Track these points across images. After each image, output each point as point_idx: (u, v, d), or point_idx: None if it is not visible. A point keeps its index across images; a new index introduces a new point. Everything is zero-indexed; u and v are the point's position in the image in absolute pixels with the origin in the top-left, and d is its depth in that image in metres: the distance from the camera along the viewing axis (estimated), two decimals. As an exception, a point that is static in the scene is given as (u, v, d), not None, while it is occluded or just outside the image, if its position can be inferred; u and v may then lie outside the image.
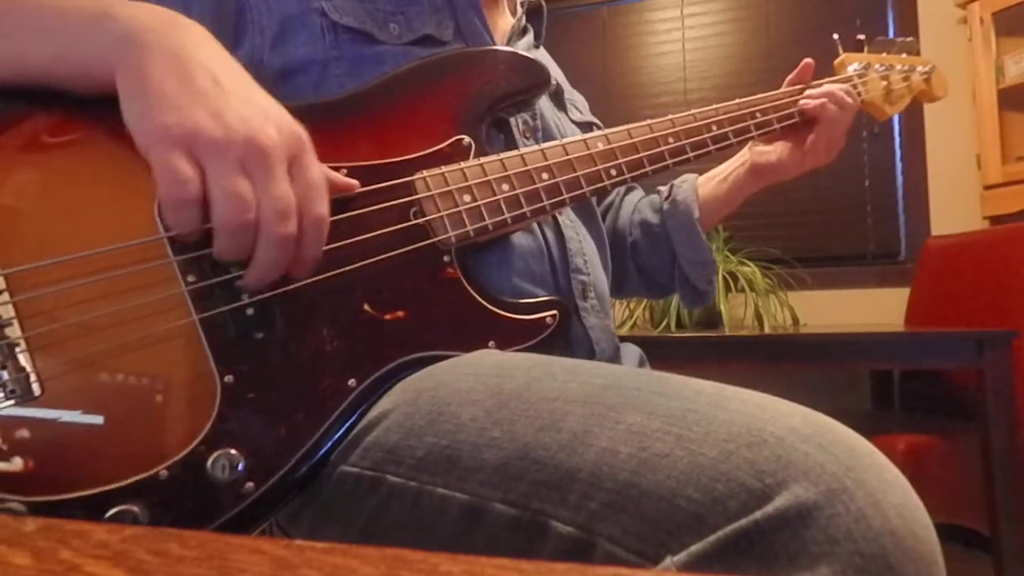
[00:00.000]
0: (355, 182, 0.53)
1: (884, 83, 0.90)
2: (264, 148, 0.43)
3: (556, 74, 0.81)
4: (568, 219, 0.69)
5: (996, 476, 1.40)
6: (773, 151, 0.83)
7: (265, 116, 0.45)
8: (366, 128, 0.56)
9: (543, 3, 0.81)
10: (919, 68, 0.94)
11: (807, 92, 0.82)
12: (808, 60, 0.85)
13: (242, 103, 0.45)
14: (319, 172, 0.47)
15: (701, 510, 0.35)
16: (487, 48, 0.68)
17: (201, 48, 0.47)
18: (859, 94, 0.87)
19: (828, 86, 0.83)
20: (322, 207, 0.47)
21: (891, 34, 2.41)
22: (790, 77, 0.85)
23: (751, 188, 0.86)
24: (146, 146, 0.43)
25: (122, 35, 0.45)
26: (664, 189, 0.89)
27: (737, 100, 0.78)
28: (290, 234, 0.45)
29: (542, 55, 0.81)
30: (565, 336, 0.60)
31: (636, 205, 0.91)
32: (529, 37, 0.79)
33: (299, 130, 0.47)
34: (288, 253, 0.45)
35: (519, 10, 0.78)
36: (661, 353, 1.63)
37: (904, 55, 0.94)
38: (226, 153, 0.43)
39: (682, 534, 0.35)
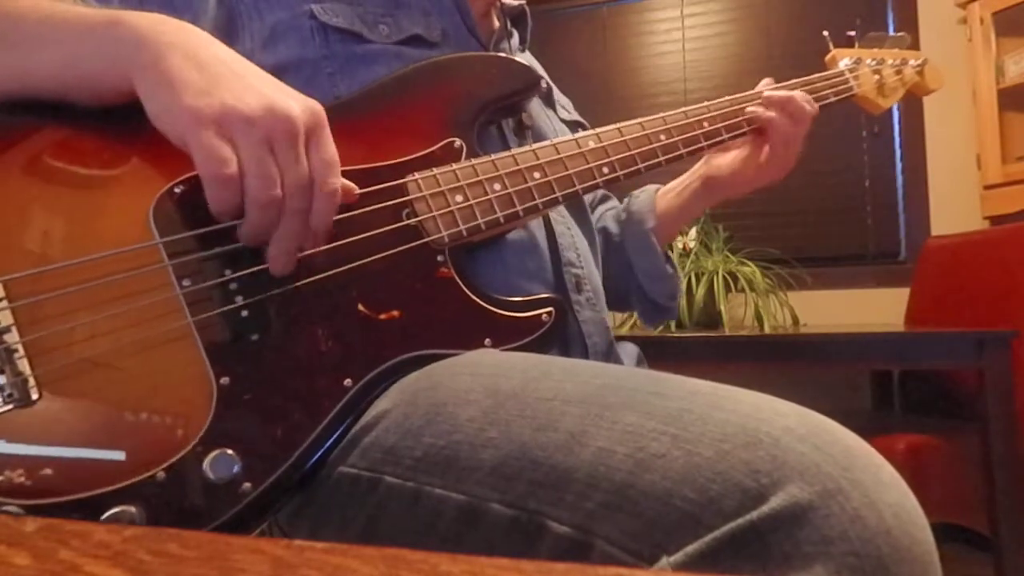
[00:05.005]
0: (354, 185, 0.53)
1: (876, 77, 0.90)
2: (288, 124, 0.45)
3: (542, 74, 0.81)
4: (559, 215, 0.69)
5: (996, 476, 1.39)
6: (727, 166, 0.82)
7: (284, 92, 0.47)
8: (357, 132, 0.57)
9: (526, 8, 0.81)
10: (911, 61, 0.94)
11: (765, 96, 0.78)
12: (768, 80, 0.83)
13: (260, 83, 0.47)
14: (333, 147, 0.49)
15: (697, 510, 0.35)
16: (478, 54, 0.68)
17: (211, 44, 0.49)
18: (851, 88, 0.86)
19: (789, 92, 0.79)
20: (336, 182, 0.49)
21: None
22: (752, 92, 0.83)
23: (707, 202, 0.85)
24: (180, 132, 0.44)
25: (134, 39, 0.46)
26: (626, 200, 0.88)
27: (728, 97, 0.77)
28: (306, 208, 0.47)
29: (528, 58, 0.82)
30: (562, 333, 0.60)
31: (602, 215, 0.90)
32: (515, 40, 0.80)
33: (316, 105, 0.48)
34: (304, 227, 0.48)
35: (503, 14, 0.79)
36: (661, 353, 1.63)
37: (896, 50, 0.94)
38: (255, 130, 0.45)
39: (678, 534, 0.35)
